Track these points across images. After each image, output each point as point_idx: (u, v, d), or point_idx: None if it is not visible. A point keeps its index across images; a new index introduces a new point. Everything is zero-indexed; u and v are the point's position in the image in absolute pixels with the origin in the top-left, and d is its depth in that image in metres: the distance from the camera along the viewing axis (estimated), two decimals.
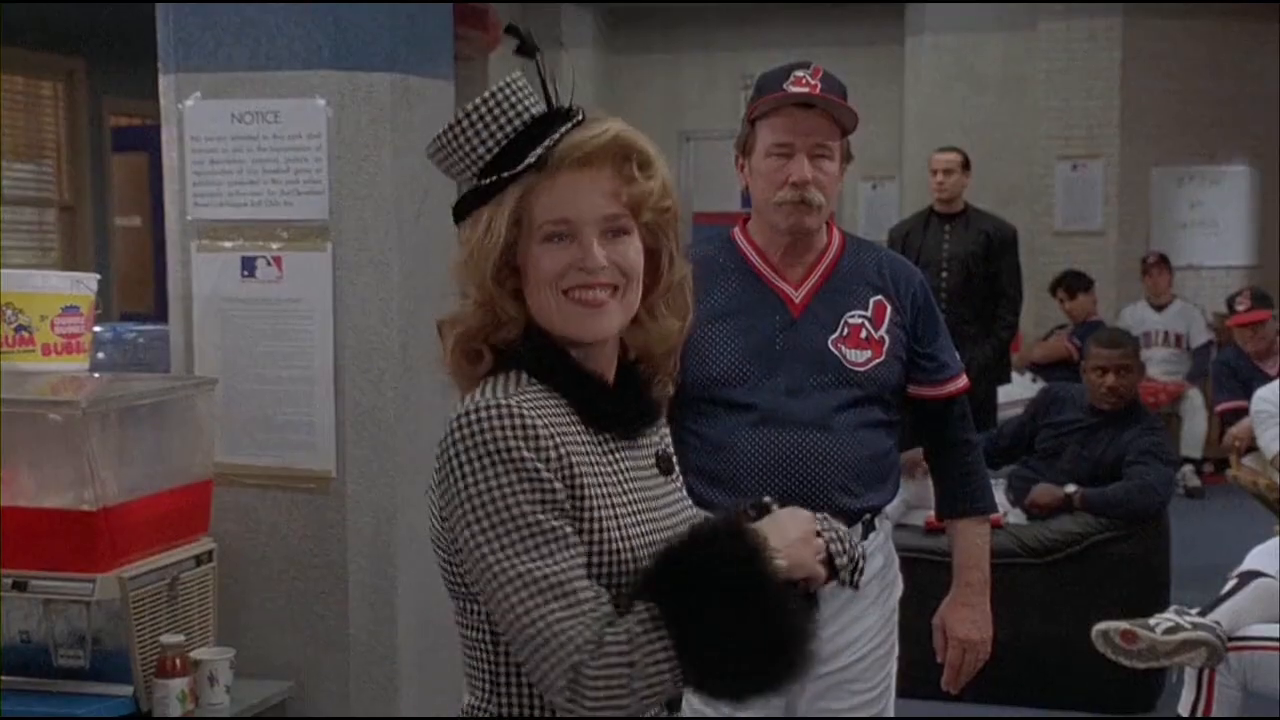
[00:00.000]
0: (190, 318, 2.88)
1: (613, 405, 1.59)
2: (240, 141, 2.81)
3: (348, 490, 2.81)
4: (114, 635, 2.56)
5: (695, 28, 10.93)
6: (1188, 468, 8.37)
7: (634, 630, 1.43)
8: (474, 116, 1.54)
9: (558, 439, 1.49)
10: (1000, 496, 4.69)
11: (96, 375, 2.97)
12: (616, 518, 1.53)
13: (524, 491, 1.45)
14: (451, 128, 1.55)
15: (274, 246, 2.81)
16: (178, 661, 2.56)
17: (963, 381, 2.67)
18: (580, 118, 1.56)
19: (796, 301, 2.53)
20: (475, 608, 1.53)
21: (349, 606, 2.82)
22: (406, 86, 2.83)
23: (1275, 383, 5.76)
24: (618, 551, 1.52)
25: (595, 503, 1.51)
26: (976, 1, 9.90)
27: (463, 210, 1.58)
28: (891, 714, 2.64)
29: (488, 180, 1.54)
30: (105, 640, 2.56)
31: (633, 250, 1.56)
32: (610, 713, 1.43)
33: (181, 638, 2.59)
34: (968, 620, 2.67)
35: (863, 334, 2.53)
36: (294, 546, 2.84)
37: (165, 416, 2.77)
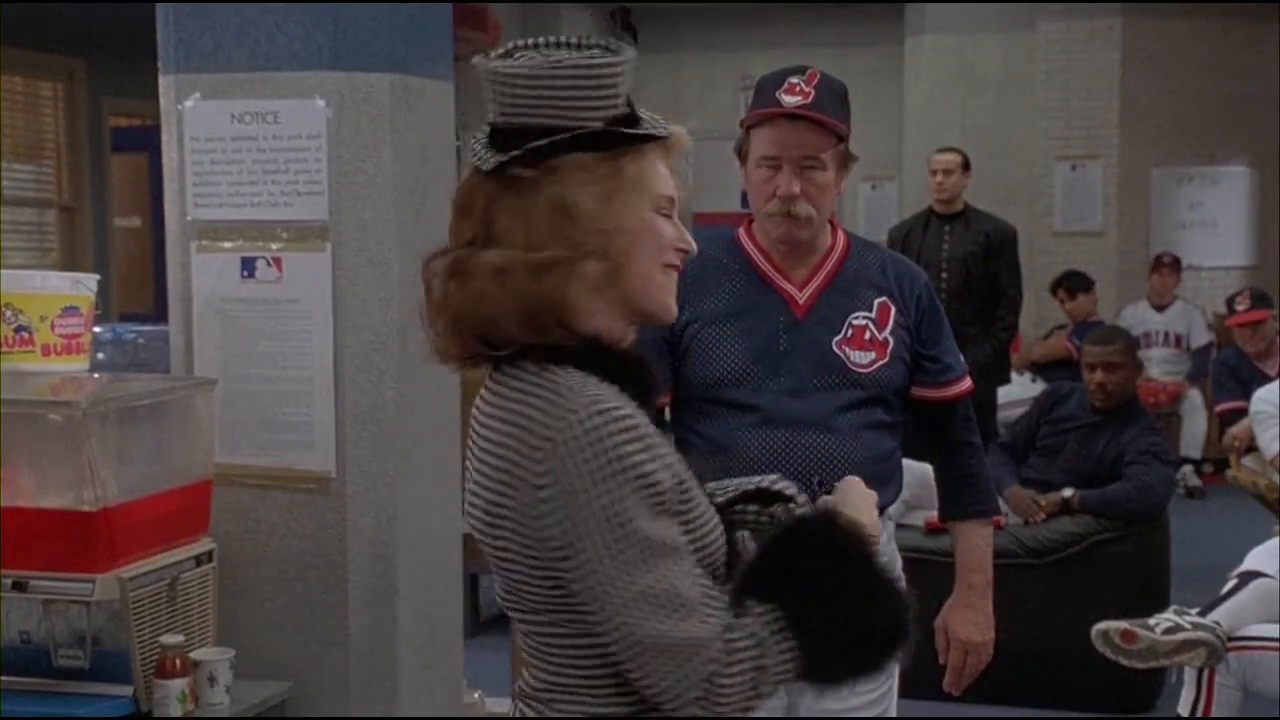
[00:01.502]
0: (190, 318, 2.88)
1: (648, 383, 1.59)
2: (240, 142, 2.81)
3: (347, 490, 2.81)
4: (114, 635, 2.55)
5: (695, 28, 10.93)
6: (1188, 468, 8.37)
7: (760, 635, 1.46)
8: (622, 65, 1.51)
9: (656, 434, 1.50)
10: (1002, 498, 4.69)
11: (96, 376, 2.97)
12: (696, 496, 1.55)
13: (640, 503, 1.44)
14: (598, 65, 1.49)
15: (274, 247, 2.81)
16: (177, 662, 2.56)
17: (966, 384, 2.67)
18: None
19: (800, 302, 2.53)
20: (567, 613, 1.51)
21: (349, 607, 2.82)
22: (406, 87, 2.83)
23: (1275, 383, 5.76)
24: (710, 527, 1.54)
25: (690, 486, 1.53)
26: (976, 1, 9.90)
27: (548, 150, 1.49)
28: (894, 714, 2.64)
29: (635, 130, 1.52)
30: (105, 640, 2.56)
31: None
32: (739, 714, 1.46)
33: (181, 638, 2.59)
34: (970, 622, 2.67)
35: (866, 335, 2.53)
36: (294, 547, 2.84)
37: (165, 417, 2.77)
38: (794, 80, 2.48)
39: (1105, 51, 9.64)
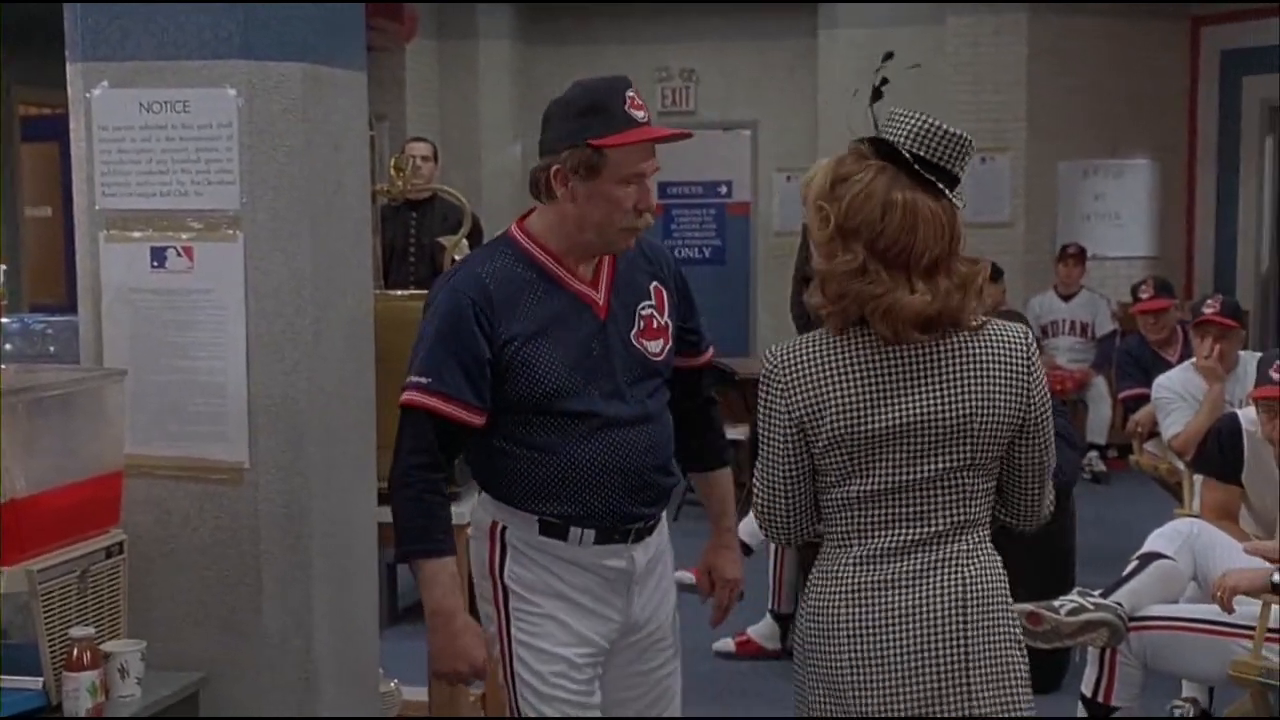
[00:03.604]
0: (99, 308, 2.85)
1: None
2: (149, 131, 2.79)
3: (260, 481, 2.80)
4: (23, 628, 2.53)
5: (612, 20, 10.94)
6: (1093, 453, 8.55)
7: None
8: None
9: None
10: None
11: (4, 367, 2.94)
12: None
13: None
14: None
15: (184, 237, 2.79)
16: (88, 654, 2.54)
17: (712, 350, 2.88)
18: None
19: (600, 304, 2.62)
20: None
21: (262, 598, 2.82)
22: (318, 77, 2.83)
23: (1175, 370, 5.90)
24: None
25: None
26: None
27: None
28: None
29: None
30: (14, 633, 2.54)
31: None
32: None
33: (92, 630, 2.58)
34: (733, 561, 2.91)
35: (655, 323, 2.67)
36: (206, 538, 2.83)
37: (74, 408, 2.75)
38: (632, 94, 2.54)
39: (1013, 46, 9.80)
